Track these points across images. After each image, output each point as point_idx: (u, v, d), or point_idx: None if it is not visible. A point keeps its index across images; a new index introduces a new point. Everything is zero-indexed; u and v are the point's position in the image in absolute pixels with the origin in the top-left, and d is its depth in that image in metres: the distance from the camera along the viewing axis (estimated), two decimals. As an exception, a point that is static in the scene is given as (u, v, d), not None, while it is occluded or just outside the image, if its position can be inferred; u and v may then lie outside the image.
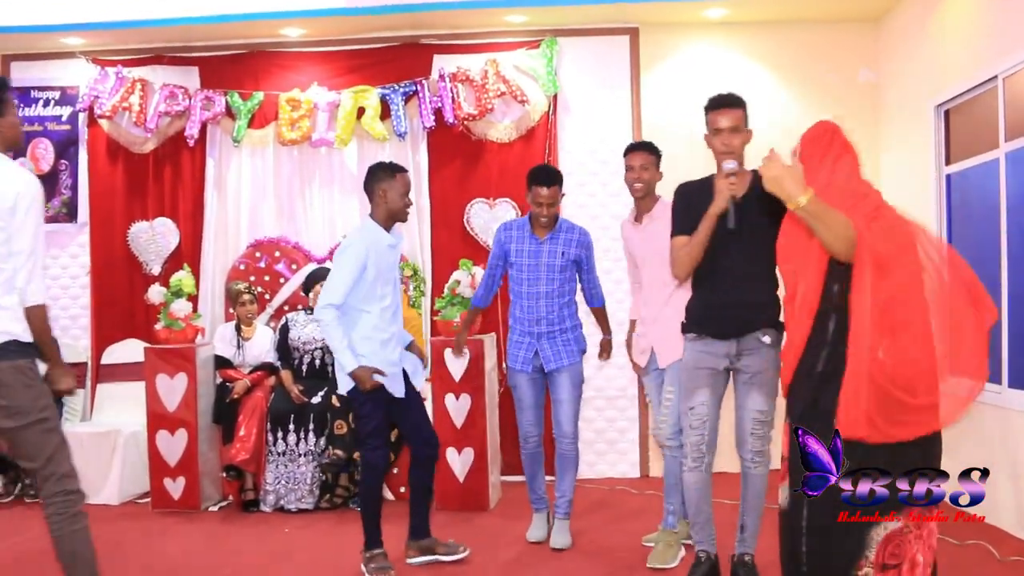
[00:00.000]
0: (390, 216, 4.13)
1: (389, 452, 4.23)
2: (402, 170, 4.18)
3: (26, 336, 3.02)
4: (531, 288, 4.41)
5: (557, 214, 4.45)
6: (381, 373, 4.01)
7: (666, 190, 4.30)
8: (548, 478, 4.71)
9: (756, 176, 3.63)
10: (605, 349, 4.76)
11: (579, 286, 4.60)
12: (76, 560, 3.05)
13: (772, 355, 3.56)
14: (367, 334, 4.04)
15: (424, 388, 4.48)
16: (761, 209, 3.37)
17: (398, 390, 4.12)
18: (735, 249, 3.53)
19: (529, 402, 4.50)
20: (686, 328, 3.73)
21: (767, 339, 3.57)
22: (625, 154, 4.37)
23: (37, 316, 3.04)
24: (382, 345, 4.07)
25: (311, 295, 5.73)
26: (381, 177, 4.12)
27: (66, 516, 3.04)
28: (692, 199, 3.63)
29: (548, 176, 4.40)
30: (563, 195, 4.47)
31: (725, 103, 3.59)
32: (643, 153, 4.32)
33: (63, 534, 3.03)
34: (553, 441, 4.52)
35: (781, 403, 3.74)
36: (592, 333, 4.75)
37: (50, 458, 3.03)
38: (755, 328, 3.58)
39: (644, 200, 4.32)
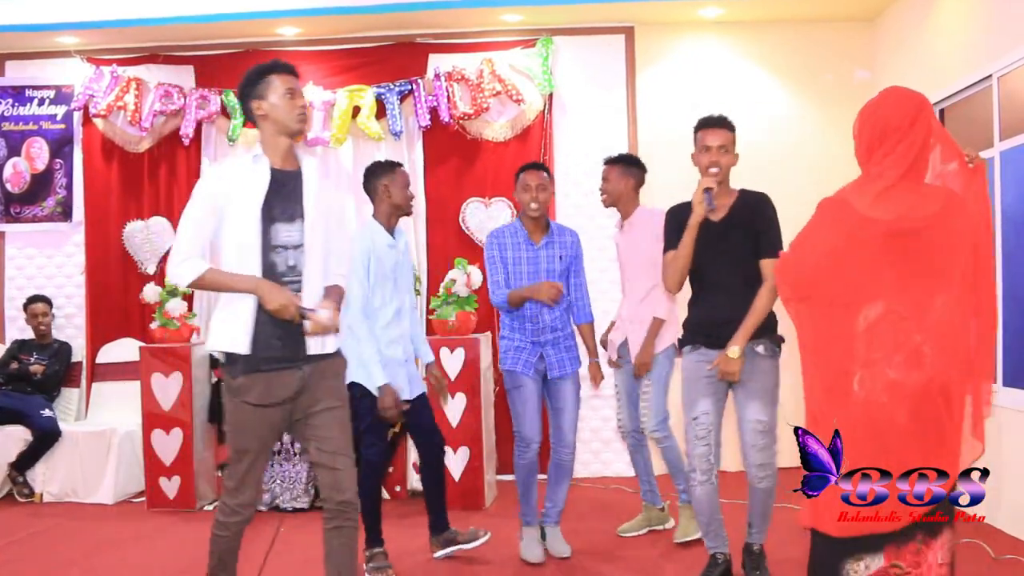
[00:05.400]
0: (395, 210, 4.15)
1: (386, 449, 4.22)
2: (399, 165, 4.27)
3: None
4: None
5: (547, 203, 4.30)
6: (403, 407, 4.04)
7: (658, 192, 4.31)
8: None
9: (740, 196, 3.70)
10: (594, 376, 4.50)
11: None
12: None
13: (768, 365, 3.60)
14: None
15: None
16: (745, 231, 3.60)
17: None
18: (725, 268, 3.63)
19: (533, 405, 4.29)
20: (682, 342, 3.82)
21: (760, 349, 3.59)
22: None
23: None
24: (386, 347, 4.07)
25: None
26: (380, 173, 4.17)
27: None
28: (681, 220, 3.65)
29: (535, 164, 4.41)
30: (553, 188, 4.36)
31: (716, 123, 3.66)
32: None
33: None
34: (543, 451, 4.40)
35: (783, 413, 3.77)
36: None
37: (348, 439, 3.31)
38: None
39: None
